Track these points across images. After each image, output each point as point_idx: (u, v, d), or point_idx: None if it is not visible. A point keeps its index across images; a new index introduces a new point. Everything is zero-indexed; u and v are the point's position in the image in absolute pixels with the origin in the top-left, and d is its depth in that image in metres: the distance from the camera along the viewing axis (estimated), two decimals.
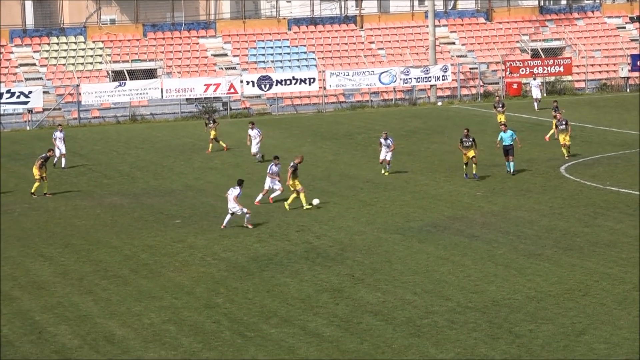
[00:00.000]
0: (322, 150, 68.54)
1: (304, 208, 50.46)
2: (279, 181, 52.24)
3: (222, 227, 46.94)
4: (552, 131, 67.84)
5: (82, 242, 45.62)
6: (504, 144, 56.32)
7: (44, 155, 56.71)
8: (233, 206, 46.68)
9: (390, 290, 36.57)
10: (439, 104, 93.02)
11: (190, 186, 57.84)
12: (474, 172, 55.36)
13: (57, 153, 64.82)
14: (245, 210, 46.91)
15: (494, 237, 43.59)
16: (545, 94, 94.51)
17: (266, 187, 52.47)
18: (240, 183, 47.27)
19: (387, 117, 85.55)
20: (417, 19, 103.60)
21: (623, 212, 47.35)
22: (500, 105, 74.22)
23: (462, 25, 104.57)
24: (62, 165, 64.57)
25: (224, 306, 35.57)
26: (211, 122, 71.02)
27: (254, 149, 65.59)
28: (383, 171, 58.71)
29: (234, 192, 46.77)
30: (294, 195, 51.07)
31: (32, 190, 56.04)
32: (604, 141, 67.23)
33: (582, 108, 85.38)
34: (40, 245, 45.25)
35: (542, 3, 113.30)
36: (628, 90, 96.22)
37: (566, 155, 60.29)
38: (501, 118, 72.07)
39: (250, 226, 46.82)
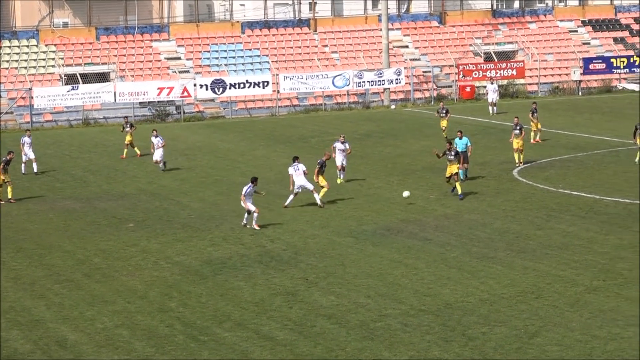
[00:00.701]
0: (276, 154, 68.62)
1: (318, 205, 50.81)
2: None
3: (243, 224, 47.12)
4: (532, 132, 68.61)
5: (34, 247, 45.47)
6: (458, 149, 55.97)
7: (4, 158, 55.94)
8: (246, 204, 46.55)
9: (344, 294, 36.65)
10: (393, 107, 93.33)
11: (143, 190, 57.76)
12: (459, 193, 52.08)
13: (24, 159, 64.27)
14: (254, 209, 46.48)
15: (447, 240, 43.77)
16: (498, 97, 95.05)
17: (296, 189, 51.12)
18: (253, 180, 46.86)
19: (341, 120, 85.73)
20: (370, 23, 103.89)
21: (575, 215, 47.65)
22: (444, 111, 73.14)
23: (415, 28, 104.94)
24: (35, 171, 63.83)
25: (178, 310, 35.55)
26: (128, 126, 70.80)
27: (157, 156, 63.80)
28: (339, 180, 57.07)
29: (244, 189, 46.53)
30: (324, 189, 51.81)
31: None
32: (557, 144, 67.61)
33: None
34: None
35: (495, 7, 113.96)
36: (580, 93, 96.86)
37: (517, 161, 59.88)
38: (443, 124, 72.10)
39: (257, 227, 46.55)
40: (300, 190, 50.76)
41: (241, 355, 30.77)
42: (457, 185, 52.01)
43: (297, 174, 50.56)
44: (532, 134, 68.76)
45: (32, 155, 64.44)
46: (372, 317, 33.93)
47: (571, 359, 29.34)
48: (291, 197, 51.13)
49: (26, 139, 65.01)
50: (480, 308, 34.41)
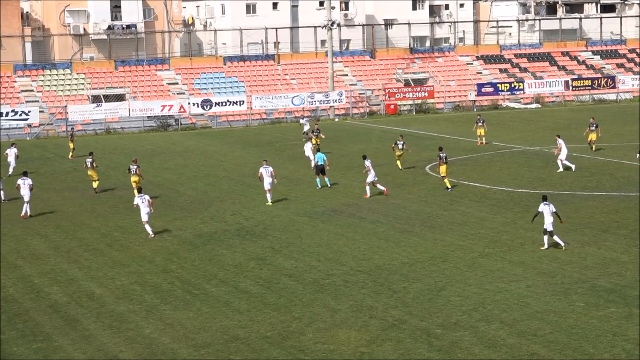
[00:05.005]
0: (250, 154, 68.37)
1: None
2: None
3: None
4: (478, 137, 68.61)
5: (69, 224, 45.20)
6: (319, 163, 52.66)
7: (89, 159, 54.11)
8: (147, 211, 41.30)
9: (301, 259, 36.64)
10: (336, 120, 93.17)
11: (151, 181, 57.37)
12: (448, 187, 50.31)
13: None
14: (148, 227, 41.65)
15: (377, 219, 43.79)
16: (414, 113, 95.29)
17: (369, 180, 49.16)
18: (140, 190, 42.83)
19: (298, 130, 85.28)
20: (319, 57, 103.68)
21: (472, 200, 47.79)
22: (318, 131, 67.17)
23: (353, 61, 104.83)
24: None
25: (177, 271, 35.44)
26: (73, 137, 71.96)
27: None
28: (270, 202, 48.24)
29: (139, 199, 41.37)
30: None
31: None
32: (458, 147, 67.74)
33: (441, 123, 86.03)
34: (37, 226, 44.77)
35: (412, 45, 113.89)
36: (475, 109, 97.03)
37: (400, 167, 57.81)
38: (316, 141, 65.28)
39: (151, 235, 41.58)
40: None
41: (224, 304, 30.71)
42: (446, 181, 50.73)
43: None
44: (479, 138, 68.67)
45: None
46: (322, 275, 33.94)
47: (469, 307, 29.46)
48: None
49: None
50: (402, 269, 34.48)
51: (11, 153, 62.23)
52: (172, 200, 50.74)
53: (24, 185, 47.12)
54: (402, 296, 30.91)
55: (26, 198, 47.00)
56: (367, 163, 49.63)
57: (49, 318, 29.95)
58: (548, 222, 36.40)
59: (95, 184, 54.14)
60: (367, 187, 49.56)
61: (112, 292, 32.78)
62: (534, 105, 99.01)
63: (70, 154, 70.08)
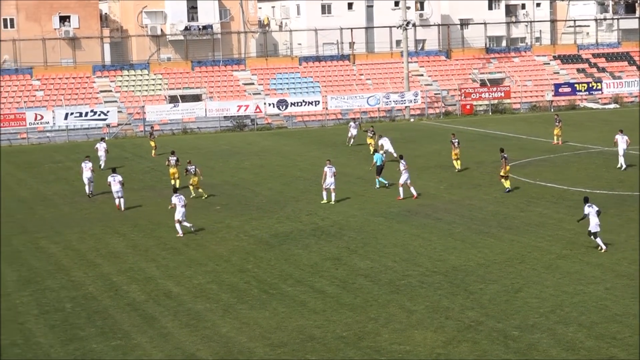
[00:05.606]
0: (325, 154, 68.24)
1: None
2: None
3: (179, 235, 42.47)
4: (555, 137, 69.13)
5: (147, 223, 45.68)
6: (377, 163, 52.89)
7: (172, 158, 55.02)
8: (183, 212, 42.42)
9: (376, 259, 36.60)
10: (412, 120, 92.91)
11: (227, 181, 57.82)
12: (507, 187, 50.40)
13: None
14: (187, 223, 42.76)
15: (453, 219, 43.58)
16: (490, 113, 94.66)
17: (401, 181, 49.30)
18: (175, 190, 43.66)
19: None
20: (395, 57, 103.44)
21: (549, 201, 47.34)
22: (372, 132, 68.06)
23: (428, 61, 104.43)
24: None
25: (253, 271, 35.62)
26: (153, 136, 73.98)
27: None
28: (325, 201, 49.06)
29: (179, 200, 42.45)
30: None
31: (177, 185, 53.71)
32: (534, 148, 67.14)
33: (517, 123, 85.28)
34: (116, 225, 45.31)
35: (488, 45, 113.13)
36: (552, 110, 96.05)
37: (457, 168, 57.48)
38: (371, 141, 66.92)
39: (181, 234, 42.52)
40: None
41: (300, 304, 30.80)
42: (506, 182, 50.33)
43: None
44: (555, 137, 69.06)
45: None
46: (398, 276, 33.88)
47: (546, 309, 29.20)
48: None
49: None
50: (478, 270, 34.29)
51: (101, 148, 64.91)
52: (249, 200, 51.01)
53: (115, 182, 48.81)
54: (478, 297, 30.74)
55: (120, 194, 49.00)
56: (402, 163, 49.43)
57: (127, 316, 30.31)
58: (594, 224, 36.21)
59: (176, 183, 54.28)
60: (401, 189, 49.44)
61: (189, 290, 33.07)
62: (612, 106, 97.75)
63: (153, 152, 71.22)
